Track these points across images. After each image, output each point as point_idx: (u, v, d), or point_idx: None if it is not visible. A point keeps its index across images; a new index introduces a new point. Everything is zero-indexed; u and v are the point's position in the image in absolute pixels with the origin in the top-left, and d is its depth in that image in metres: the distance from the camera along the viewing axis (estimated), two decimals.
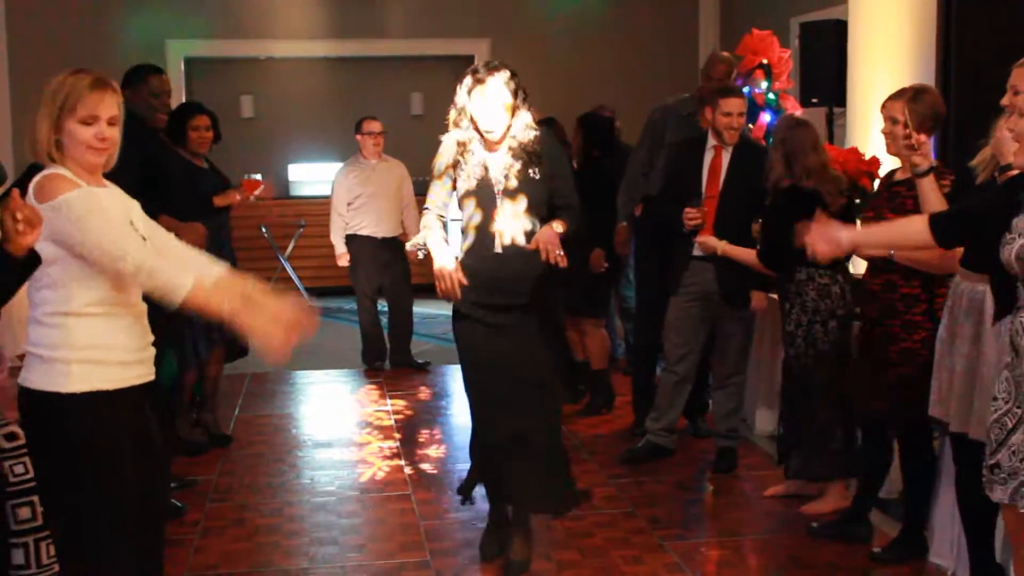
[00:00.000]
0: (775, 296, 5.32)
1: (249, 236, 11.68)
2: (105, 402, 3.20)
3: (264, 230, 11.63)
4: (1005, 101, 3.59)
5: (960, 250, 4.15)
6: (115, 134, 3.24)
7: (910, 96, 4.38)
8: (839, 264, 5.00)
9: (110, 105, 3.21)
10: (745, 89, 7.55)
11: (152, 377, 3.40)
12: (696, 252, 5.64)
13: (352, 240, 8.28)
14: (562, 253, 4.13)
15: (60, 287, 3.12)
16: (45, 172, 3.13)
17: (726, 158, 5.66)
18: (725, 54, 6.78)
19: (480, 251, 4.34)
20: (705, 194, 5.63)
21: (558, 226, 4.23)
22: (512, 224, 4.30)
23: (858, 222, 4.70)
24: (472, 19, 11.59)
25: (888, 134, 4.44)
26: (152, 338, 3.40)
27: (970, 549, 4.09)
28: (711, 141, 5.69)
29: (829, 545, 4.73)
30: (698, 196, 5.60)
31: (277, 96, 12.27)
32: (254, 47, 11.55)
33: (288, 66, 12.16)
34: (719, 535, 5.02)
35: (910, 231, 3.60)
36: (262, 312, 3.06)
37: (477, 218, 4.33)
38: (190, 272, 3.14)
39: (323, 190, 12.06)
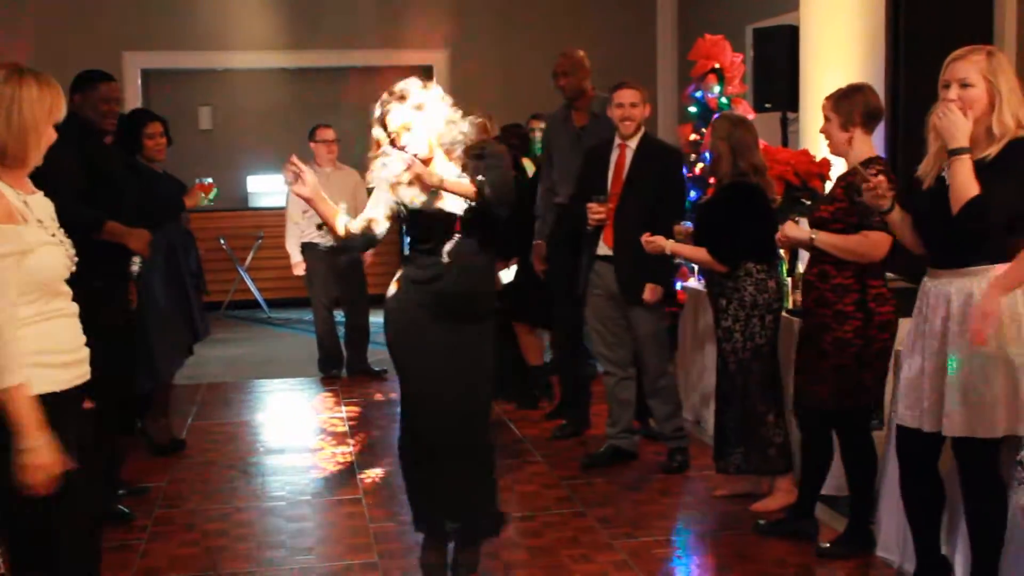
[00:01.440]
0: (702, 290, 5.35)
1: (208, 248, 11.63)
2: (50, 406, 3.18)
3: (223, 242, 11.58)
4: (951, 95, 3.65)
5: (885, 238, 4.20)
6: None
7: (838, 94, 4.42)
8: (776, 258, 5.08)
9: None
10: (698, 94, 7.61)
11: (88, 377, 3.38)
12: (600, 252, 5.68)
13: (307, 249, 8.26)
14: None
15: None
16: None
17: (629, 155, 5.70)
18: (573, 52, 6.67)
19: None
20: (610, 191, 5.66)
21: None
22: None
23: (804, 221, 4.71)
24: (431, 30, 11.61)
25: (824, 132, 4.46)
26: (84, 339, 3.39)
27: (915, 542, 4.09)
28: (616, 139, 5.74)
29: (777, 542, 4.74)
30: (604, 193, 5.62)
31: (235, 107, 12.24)
32: (212, 58, 11.52)
33: (246, 77, 12.13)
34: (668, 534, 5.01)
35: None
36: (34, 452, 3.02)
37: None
38: (21, 372, 3.04)
39: (282, 201, 11.91)
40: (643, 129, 5.78)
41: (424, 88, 4.16)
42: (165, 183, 6.34)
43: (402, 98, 4.11)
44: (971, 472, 3.77)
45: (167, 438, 6.43)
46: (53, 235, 3.22)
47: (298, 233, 8.27)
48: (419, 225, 4.25)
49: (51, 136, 3.23)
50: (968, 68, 3.62)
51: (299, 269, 8.36)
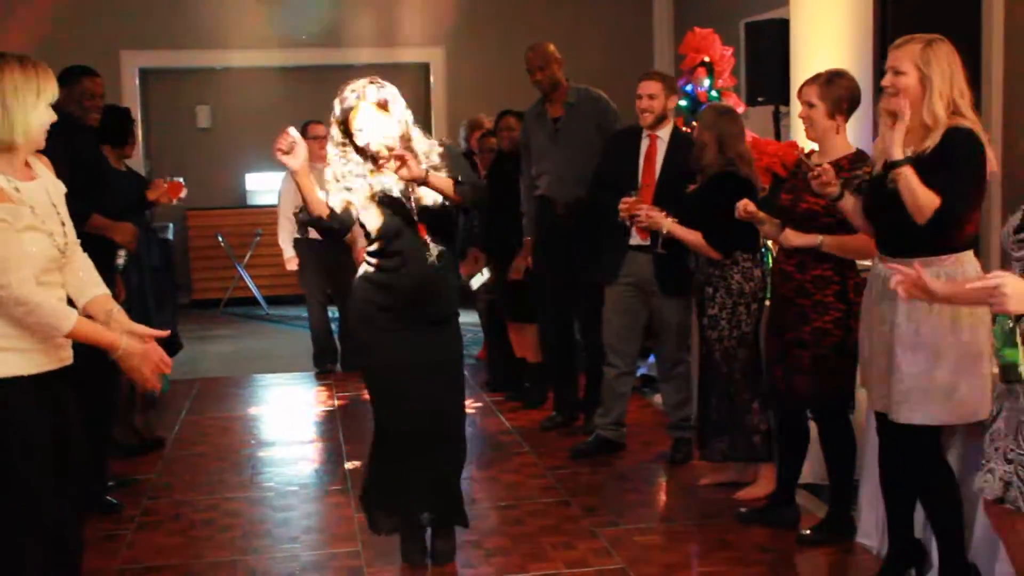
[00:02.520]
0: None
1: (206, 245, 11.71)
2: (22, 388, 3.20)
3: (221, 239, 11.62)
4: (886, 82, 3.70)
5: None
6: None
7: (824, 80, 4.42)
8: (761, 247, 5.10)
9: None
10: (688, 87, 7.62)
11: (71, 361, 3.41)
12: (633, 241, 5.67)
13: (300, 244, 8.29)
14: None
15: None
16: None
17: (661, 147, 5.70)
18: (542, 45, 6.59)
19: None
20: (641, 183, 5.66)
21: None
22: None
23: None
24: (427, 27, 11.64)
25: (805, 118, 4.46)
26: None
27: (890, 525, 4.12)
28: (645, 130, 5.74)
29: (759, 529, 4.76)
30: (634, 185, 5.62)
31: (233, 106, 12.26)
32: (210, 57, 11.55)
33: (244, 76, 12.15)
34: (650, 522, 5.03)
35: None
36: (134, 351, 3.26)
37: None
38: (70, 314, 3.18)
39: None
40: (671, 120, 5.78)
41: (381, 87, 4.29)
42: (126, 179, 6.31)
43: (367, 97, 4.22)
44: (917, 457, 3.83)
45: (137, 437, 6.39)
46: (43, 223, 3.24)
47: (290, 228, 8.28)
48: (381, 220, 4.25)
49: (46, 118, 3.24)
50: (902, 57, 3.69)
51: (292, 264, 8.40)
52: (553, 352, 6.71)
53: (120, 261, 5.24)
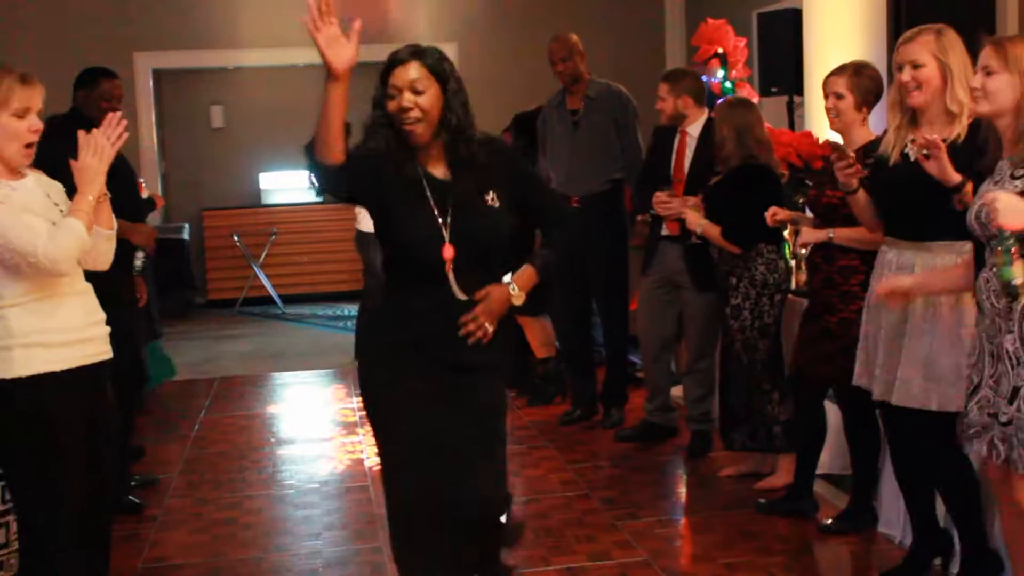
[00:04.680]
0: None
1: (222, 245, 11.73)
2: (51, 384, 3.23)
3: (237, 239, 11.64)
4: (905, 76, 3.70)
5: None
6: (40, 125, 3.33)
7: (852, 71, 4.39)
8: (783, 239, 5.10)
9: (40, 98, 3.32)
10: (702, 78, 7.61)
11: (108, 355, 3.42)
12: (664, 232, 5.71)
13: (365, 238, 7.80)
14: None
15: None
16: None
17: (690, 143, 5.75)
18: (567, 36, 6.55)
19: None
20: (674, 177, 5.69)
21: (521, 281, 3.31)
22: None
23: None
24: (439, 22, 11.64)
25: (832, 109, 4.41)
26: (102, 316, 3.43)
27: (911, 514, 4.11)
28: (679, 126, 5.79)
29: (780, 519, 4.76)
30: (667, 180, 5.66)
31: (247, 105, 12.29)
32: (223, 57, 11.53)
33: (257, 75, 12.17)
34: (671, 514, 5.05)
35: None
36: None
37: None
38: (73, 224, 3.24)
39: (294, 198, 12.12)
40: (705, 114, 5.80)
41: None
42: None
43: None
44: (931, 445, 3.83)
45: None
46: (52, 222, 3.26)
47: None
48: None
49: (15, 127, 3.25)
50: (918, 49, 3.68)
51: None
52: (570, 346, 6.71)
53: (138, 263, 5.25)
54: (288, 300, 11.61)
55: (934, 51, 3.65)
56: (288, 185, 12.19)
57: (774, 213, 4.73)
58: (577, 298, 6.47)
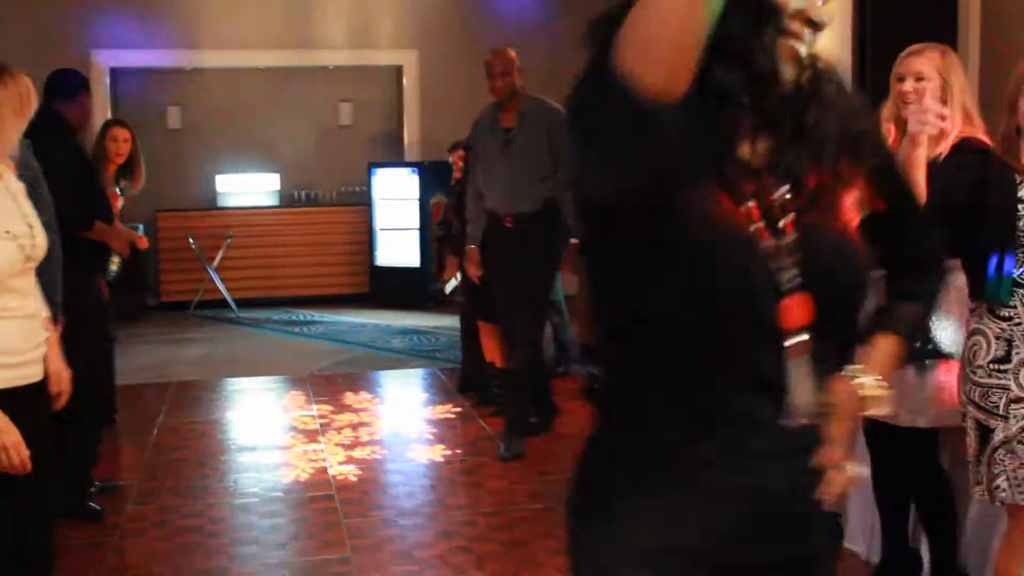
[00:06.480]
0: None
1: (177, 247, 11.63)
2: None
3: (191, 241, 11.55)
4: (907, 88, 3.70)
5: None
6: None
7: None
8: None
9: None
10: None
11: (40, 377, 3.37)
12: None
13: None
14: None
15: None
16: None
17: None
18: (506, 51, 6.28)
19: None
20: None
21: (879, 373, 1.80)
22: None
23: None
24: (401, 30, 11.64)
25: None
26: (43, 338, 3.37)
27: (884, 534, 4.15)
28: None
29: None
30: None
31: (204, 107, 12.20)
32: (181, 57, 11.49)
33: (215, 76, 12.09)
34: None
35: None
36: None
37: None
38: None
39: (250, 201, 12.04)
40: None
41: None
42: None
43: None
44: (914, 461, 3.89)
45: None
46: (7, 231, 3.19)
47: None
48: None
49: None
50: (924, 63, 3.69)
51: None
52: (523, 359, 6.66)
53: (114, 267, 5.21)
54: (243, 304, 11.53)
55: (939, 68, 3.67)
56: (244, 188, 12.10)
57: None
58: (518, 312, 6.22)
